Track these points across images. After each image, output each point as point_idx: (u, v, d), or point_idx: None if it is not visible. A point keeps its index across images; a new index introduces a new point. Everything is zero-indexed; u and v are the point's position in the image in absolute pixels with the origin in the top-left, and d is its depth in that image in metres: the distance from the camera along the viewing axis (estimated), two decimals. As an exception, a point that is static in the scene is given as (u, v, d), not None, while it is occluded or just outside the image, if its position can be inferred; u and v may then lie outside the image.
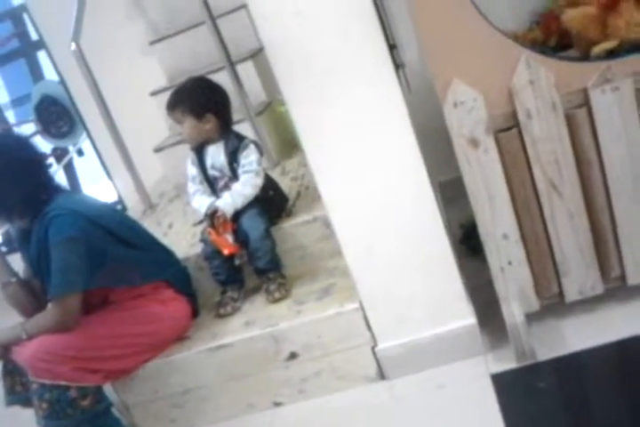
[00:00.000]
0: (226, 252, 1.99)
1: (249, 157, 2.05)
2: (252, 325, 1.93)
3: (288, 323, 1.88)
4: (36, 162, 1.95)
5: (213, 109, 2.05)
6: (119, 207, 3.35)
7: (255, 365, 1.90)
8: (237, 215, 2.05)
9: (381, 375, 1.89)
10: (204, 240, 2.09)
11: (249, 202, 2.06)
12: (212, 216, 1.99)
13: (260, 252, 2.02)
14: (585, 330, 1.83)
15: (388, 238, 1.74)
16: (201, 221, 2.17)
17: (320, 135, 1.67)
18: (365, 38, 1.58)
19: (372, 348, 1.86)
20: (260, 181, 2.06)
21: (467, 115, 1.57)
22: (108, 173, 3.75)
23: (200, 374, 1.94)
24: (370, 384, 1.90)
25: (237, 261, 2.05)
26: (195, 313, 2.09)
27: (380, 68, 1.61)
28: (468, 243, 2.16)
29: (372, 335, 1.85)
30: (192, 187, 2.14)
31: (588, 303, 1.84)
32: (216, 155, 2.09)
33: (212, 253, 2.06)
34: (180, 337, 2.01)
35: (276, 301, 2.00)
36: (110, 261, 1.88)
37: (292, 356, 1.87)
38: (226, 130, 2.11)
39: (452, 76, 1.54)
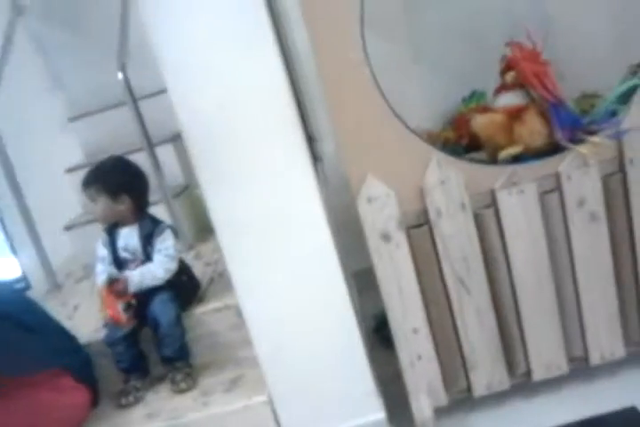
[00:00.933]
0: (109, 313, 1.91)
1: (165, 242, 2.02)
2: (155, 417, 1.85)
3: (193, 416, 1.81)
4: None
5: (129, 191, 2.03)
6: (22, 285, 3.19)
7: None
8: (147, 300, 1.99)
9: (287, 472, 1.84)
10: (107, 325, 2.01)
11: (161, 286, 2.01)
12: (112, 282, 1.94)
13: (168, 339, 1.96)
14: (492, 424, 1.85)
15: (299, 330, 1.73)
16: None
17: (233, 222, 1.68)
18: (283, 130, 1.62)
19: (280, 443, 1.82)
20: (174, 267, 2.03)
21: (379, 210, 1.62)
22: (12, 248, 3.59)
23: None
24: (276, 482, 1.84)
25: (120, 333, 1.98)
26: (94, 402, 1.97)
27: (296, 160, 1.64)
28: (381, 333, 2.17)
29: (281, 429, 1.81)
30: (100, 267, 2.08)
31: (496, 398, 1.87)
32: (129, 237, 2.05)
33: (116, 339, 1.98)
34: (75, 428, 1.89)
35: (182, 391, 1.93)
36: (3, 349, 1.76)
37: (196, 452, 1.80)
38: (141, 212, 2.08)
39: (366, 172, 1.61)
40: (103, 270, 2.05)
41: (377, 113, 1.60)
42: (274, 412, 1.80)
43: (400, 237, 1.65)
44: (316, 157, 1.86)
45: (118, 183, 2.02)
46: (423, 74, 2.20)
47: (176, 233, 2.09)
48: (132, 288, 1.96)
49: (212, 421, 1.80)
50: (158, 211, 2.31)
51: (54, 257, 2.83)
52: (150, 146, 2.51)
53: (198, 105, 1.62)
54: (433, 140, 1.83)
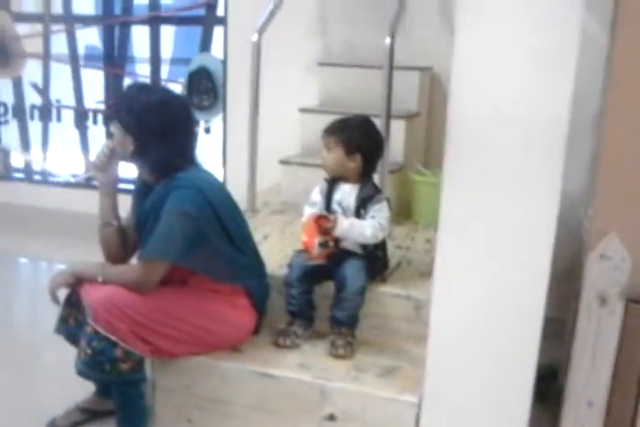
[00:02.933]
0: (305, 239, 2.07)
1: (382, 211, 2.15)
2: (307, 369, 2.02)
3: (341, 384, 1.96)
4: (190, 127, 2.12)
5: (365, 152, 2.17)
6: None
7: (292, 409, 1.99)
8: (339, 263, 2.14)
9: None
10: (291, 266, 2.20)
11: (357, 254, 2.16)
12: (322, 217, 2.09)
13: (347, 304, 2.11)
14: None
15: (479, 350, 1.79)
16: (301, 251, 2.20)
17: (460, 222, 1.73)
18: (545, 155, 1.63)
19: (410, 447, 1.92)
20: (382, 236, 2.16)
21: (608, 272, 1.65)
22: (224, 160, 3.96)
23: (237, 391, 2.04)
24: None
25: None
26: (256, 330, 2.18)
27: (545, 184, 1.66)
28: (538, 385, 2.20)
29: (417, 437, 1.90)
30: (308, 210, 2.24)
31: None
32: (347, 194, 2.20)
33: (294, 280, 2.16)
34: (234, 346, 2.11)
35: (338, 357, 2.08)
36: (208, 249, 1.99)
37: (331, 417, 1.95)
38: (366, 175, 2.22)
39: (611, 229, 1.63)
40: (310, 212, 2.21)
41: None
42: (417, 417, 1.89)
43: (617, 306, 1.68)
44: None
45: (358, 141, 2.16)
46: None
47: (391, 207, 2.21)
48: (338, 232, 2.10)
49: (356, 398, 1.94)
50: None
51: (260, 183, 3.11)
52: (388, 116, 2.64)
53: (474, 107, 1.66)
54: None
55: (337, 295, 2.14)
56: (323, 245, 2.09)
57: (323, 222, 2.10)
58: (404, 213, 3.01)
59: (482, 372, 1.80)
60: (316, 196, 2.27)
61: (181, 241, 1.95)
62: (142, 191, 2.14)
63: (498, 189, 1.70)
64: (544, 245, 1.69)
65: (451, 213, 1.74)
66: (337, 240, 2.14)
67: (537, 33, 1.60)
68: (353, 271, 2.13)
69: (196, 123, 4.29)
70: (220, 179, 3.87)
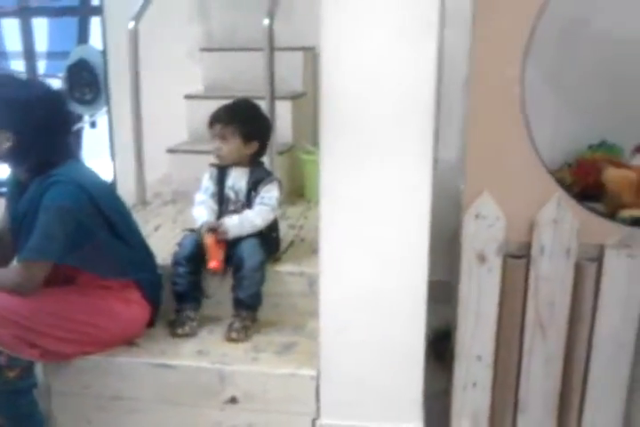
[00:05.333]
0: (213, 264, 2.15)
1: (270, 192, 2.26)
2: (204, 356, 2.09)
3: (239, 366, 2.04)
4: (68, 122, 2.13)
5: (260, 138, 2.29)
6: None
7: (193, 396, 2.05)
8: (234, 242, 2.23)
9: (313, 451, 2.03)
10: (180, 244, 2.27)
11: (249, 235, 2.24)
12: (213, 231, 2.18)
13: (247, 282, 2.20)
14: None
15: (369, 318, 1.90)
16: (192, 230, 2.31)
17: (339, 195, 1.84)
18: (416, 121, 1.75)
19: (313, 420, 2.01)
20: (271, 217, 2.27)
21: (484, 230, 1.79)
22: (112, 153, 3.96)
23: (136, 385, 2.08)
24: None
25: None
26: (151, 322, 2.22)
27: (418, 154, 1.77)
28: (435, 347, 2.31)
29: (318, 408, 2.00)
30: (201, 197, 2.33)
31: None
32: (239, 179, 2.29)
33: (183, 259, 2.23)
34: (129, 341, 2.15)
35: (231, 340, 2.16)
36: (92, 245, 2.00)
37: (233, 400, 2.03)
38: (257, 160, 2.33)
39: (483, 189, 1.77)
40: (203, 201, 2.31)
41: (513, 135, 1.75)
42: (317, 389, 1.99)
43: (495, 263, 1.81)
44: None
45: (255, 129, 2.27)
46: (559, 110, 2.34)
47: (281, 188, 2.32)
48: (231, 235, 2.20)
49: (256, 378, 2.02)
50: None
51: (148, 175, 3.14)
52: (272, 98, 2.74)
53: (344, 81, 1.76)
54: (566, 186, 1.95)
55: (236, 275, 2.22)
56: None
57: (219, 236, 2.19)
58: (296, 192, 3.14)
59: (373, 339, 1.92)
60: (207, 182, 2.35)
61: (62, 239, 1.95)
62: (16, 191, 2.12)
63: (373, 159, 1.81)
64: (421, 211, 1.82)
65: (330, 186, 1.85)
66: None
67: (400, 7, 1.71)
68: (249, 249, 2.22)
69: (79, 118, 4.32)
70: (110, 173, 3.88)
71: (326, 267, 1.90)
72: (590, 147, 2.12)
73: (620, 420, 1.94)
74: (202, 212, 2.31)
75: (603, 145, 2.15)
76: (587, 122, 2.36)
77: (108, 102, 3.92)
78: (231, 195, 2.31)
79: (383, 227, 1.85)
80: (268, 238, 2.33)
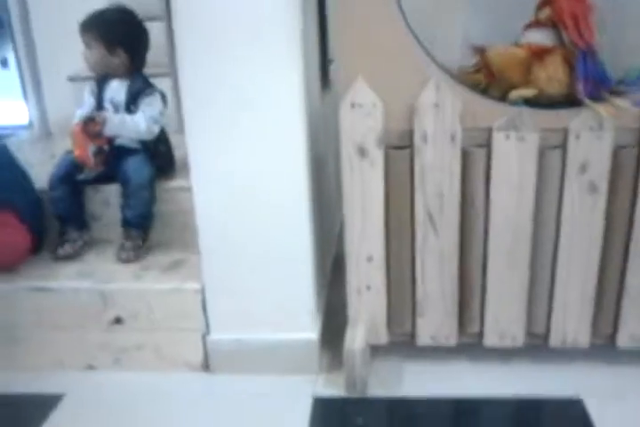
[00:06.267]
0: (76, 153, 2.08)
1: (152, 105, 2.17)
2: (86, 277, 2.02)
3: (122, 285, 1.97)
4: None
5: (127, 45, 2.16)
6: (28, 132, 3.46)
7: (75, 319, 1.98)
8: (120, 158, 2.15)
9: (206, 366, 1.99)
10: (56, 165, 2.19)
11: (137, 149, 2.17)
12: (89, 122, 2.08)
13: (135, 201, 2.12)
14: (427, 377, 1.94)
15: (249, 226, 1.83)
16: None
17: (201, 93, 1.73)
18: (282, 17, 1.65)
19: (204, 336, 1.96)
20: (156, 130, 2.17)
21: (361, 120, 1.66)
22: (24, 94, 3.81)
23: (14, 312, 2.00)
24: (190, 372, 1.99)
25: (83, 175, 2.16)
26: (35, 249, 2.15)
27: (288, 54, 1.68)
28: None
29: (207, 323, 1.95)
30: (79, 112, 2.23)
31: (439, 351, 1.95)
32: (117, 90, 2.20)
33: (57, 180, 2.15)
34: (6, 267, 2.06)
35: (122, 261, 2.10)
36: None
37: (117, 320, 1.96)
38: (135, 70, 2.22)
39: (357, 75, 1.64)
40: (81, 115, 2.19)
41: (386, 15, 1.61)
42: (203, 303, 1.93)
43: (377, 155, 1.69)
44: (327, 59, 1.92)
45: (117, 35, 2.15)
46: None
47: (165, 100, 2.21)
48: (109, 131, 2.10)
49: (139, 295, 1.95)
50: (164, 83, 2.41)
51: (56, 107, 3.04)
52: (168, 14, 2.58)
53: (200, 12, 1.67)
54: (465, 79, 1.82)
55: (123, 193, 2.14)
56: (98, 152, 2.11)
57: (91, 127, 2.09)
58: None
59: (257, 248, 1.85)
60: (87, 97, 2.26)
61: None
62: None
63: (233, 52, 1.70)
64: (295, 107, 1.72)
65: (190, 86, 1.74)
66: (111, 140, 2.15)
67: None
68: (134, 165, 2.14)
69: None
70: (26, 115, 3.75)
71: (196, 172, 1.82)
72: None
73: (524, 317, 1.86)
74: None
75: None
76: (501, 19, 2.19)
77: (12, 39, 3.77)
78: (110, 108, 2.21)
79: (255, 125, 1.75)
80: (157, 153, 2.23)
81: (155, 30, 2.34)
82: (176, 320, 1.95)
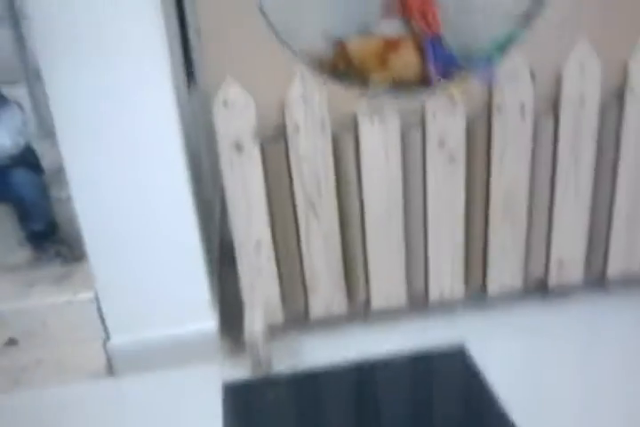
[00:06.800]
0: None
1: (13, 118, 2.11)
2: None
3: (11, 305, 1.95)
4: None
5: None
6: None
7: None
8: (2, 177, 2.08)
9: (110, 371, 2.01)
10: None
11: (13, 162, 2.10)
12: None
13: (37, 209, 2.10)
14: (326, 348, 2.08)
15: (135, 229, 1.86)
16: None
17: (75, 111, 1.73)
18: (144, 16, 1.66)
19: (104, 342, 1.98)
20: (21, 142, 2.12)
21: (235, 117, 1.73)
22: None
23: None
24: (96, 380, 2.01)
25: None
26: None
27: (153, 55, 1.70)
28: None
29: (105, 329, 1.97)
30: None
31: (333, 322, 2.10)
32: None
33: None
34: None
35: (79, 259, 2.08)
36: None
37: (12, 342, 1.94)
38: None
39: (225, 74, 1.69)
40: None
41: (249, 14, 1.67)
42: (99, 310, 1.95)
43: (253, 150, 1.77)
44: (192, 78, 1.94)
45: None
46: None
47: (23, 111, 2.16)
48: None
49: (32, 313, 1.94)
50: (19, 92, 2.37)
51: None
52: (15, 19, 2.51)
53: None
54: (323, 65, 1.91)
55: (20, 210, 2.11)
56: None
57: None
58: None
59: (145, 249, 1.90)
60: None
61: None
62: None
63: (99, 57, 1.69)
64: (170, 113, 1.75)
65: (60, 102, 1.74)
66: None
67: None
68: (21, 177, 2.10)
69: None
70: None
71: (75, 183, 1.82)
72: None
73: (404, 278, 2.03)
74: None
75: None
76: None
77: None
78: None
79: (128, 127, 1.76)
80: (33, 161, 2.20)
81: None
82: (74, 332, 1.96)
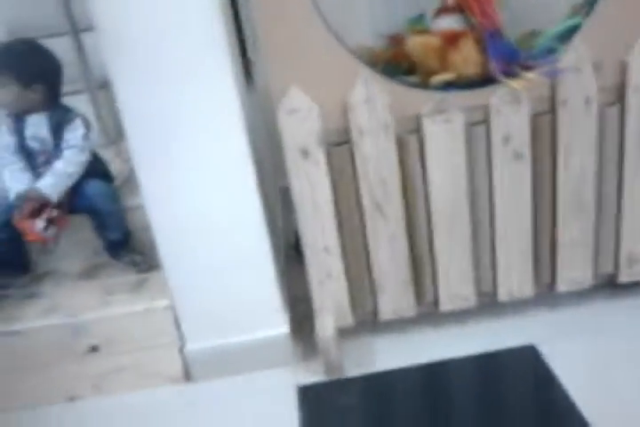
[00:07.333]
0: (29, 238, 2.06)
1: (75, 132, 2.14)
2: (53, 312, 2.05)
3: (92, 314, 2.01)
4: None
5: (43, 80, 2.12)
6: None
7: (52, 356, 2.02)
8: (72, 191, 2.15)
9: (187, 377, 2.07)
10: None
11: (87, 172, 2.17)
12: (28, 204, 2.05)
13: (113, 219, 2.16)
14: (396, 350, 2.11)
15: (207, 238, 1.92)
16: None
17: (145, 121, 1.80)
18: (206, 26, 1.72)
19: (180, 348, 2.05)
20: (84, 158, 2.15)
21: (300, 124, 1.77)
22: None
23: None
24: (174, 385, 2.07)
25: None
26: None
27: (218, 65, 1.76)
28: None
29: (181, 335, 2.03)
30: (6, 158, 2.18)
31: (402, 324, 2.12)
32: (38, 126, 2.16)
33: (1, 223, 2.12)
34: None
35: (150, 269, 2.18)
36: None
37: (94, 349, 2.01)
38: (52, 101, 2.17)
39: (289, 83, 1.74)
40: (12, 163, 2.17)
41: (306, 21, 1.71)
42: (175, 317, 2.01)
43: (319, 154, 1.81)
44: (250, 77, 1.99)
45: (31, 72, 2.10)
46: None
47: (88, 124, 2.20)
48: (54, 197, 2.08)
49: (111, 321, 2.01)
50: (81, 102, 2.43)
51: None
52: (75, 30, 2.60)
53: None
54: (374, 59, 1.95)
55: (96, 220, 2.18)
56: (50, 223, 2.07)
57: (28, 208, 2.05)
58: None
59: (217, 254, 1.95)
60: (6, 137, 2.20)
61: None
62: None
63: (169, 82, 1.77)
64: (237, 122, 1.82)
65: (131, 114, 1.81)
66: (64, 204, 2.13)
67: None
68: (93, 188, 2.16)
69: None
70: None
71: (148, 190, 1.89)
72: (410, 21, 2.10)
73: (472, 279, 2.04)
74: (16, 179, 2.15)
75: (422, 18, 2.14)
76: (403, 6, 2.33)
77: None
78: (35, 146, 2.17)
79: (197, 137, 1.83)
80: (102, 173, 2.27)
81: (56, 47, 2.27)
82: (151, 338, 2.03)
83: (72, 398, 2.08)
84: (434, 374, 2.04)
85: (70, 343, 2.02)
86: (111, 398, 2.08)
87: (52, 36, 2.35)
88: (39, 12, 3.01)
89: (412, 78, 1.94)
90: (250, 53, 2.26)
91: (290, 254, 2.45)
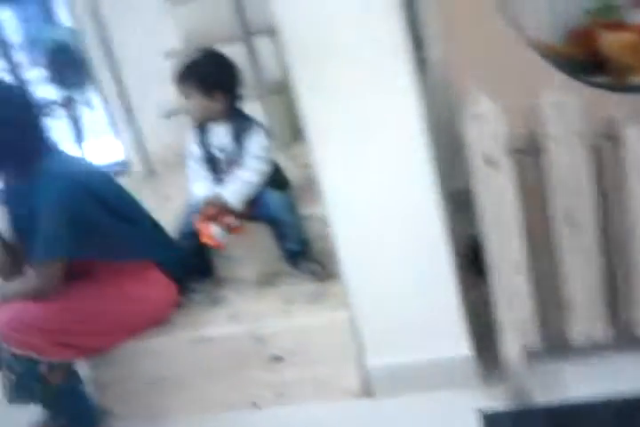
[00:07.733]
0: (203, 239, 2.14)
1: (256, 142, 2.19)
2: (236, 319, 2.11)
3: (274, 324, 2.06)
4: (32, 113, 2.08)
5: (225, 88, 2.19)
6: (121, 168, 3.56)
7: (237, 362, 2.08)
8: (256, 204, 2.21)
9: (366, 392, 2.05)
10: (185, 222, 2.25)
11: (267, 181, 2.22)
12: (209, 208, 2.13)
13: (292, 230, 2.20)
14: (588, 377, 1.94)
15: (389, 251, 1.88)
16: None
17: (325, 128, 1.80)
18: (388, 34, 1.69)
19: (360, 363, 2.02)
20: (266, 168, 2.20)
21: (485, 130, 1.68)
22: (115, 130, 3.94)
23: (177, 363, 2.12)
24: (353, 400, 2.06)
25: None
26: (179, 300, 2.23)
27: (399, 65, 1.72)
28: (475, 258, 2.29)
29: (361, 349, 2.00)
30: (193, 166, 2.28)
31: (594, 348, 1.94)
32: (221, 135, 2.23)
33: (186, 234, 2.22)
34: (159, 321, 2.17)
35: (329, 278, 2.19)
36: (99, 233, 2.01)
37: (277, 359, 2.05)
38: (232, 109, 2.24)
39: (474, 87, 1.67)
40: (197, 171, 2.26)
41: (495, 22, 1.64)
42: (355, 330, 1.99)
43: (505, 162, 1.71)
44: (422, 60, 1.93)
45: (213, 81, 2.18)
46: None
47: (267, 131, 2.24)
48: (236, 204, 2.15)
49: (293, 331, 2.03)
50: (254, 107, 2.47)
51: (150, 144, 3.14)
52: (248, 36, 2.65)
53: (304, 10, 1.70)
54: (549, 54, 1.82)
55: (275, 230, 2.22)
56: (228, 230, 2.16)
57: (208, 212, 2.14)
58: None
59: (397, 268, 1.91)
60: (193, 147, 2.30)
61: (68, 235, 1.95)
62: (10, 197, 2.12)
63: (350, 81, 1.75)
64: (417, 125, 1.77)
65: (313, 120, 1.80)
66: (244, 213, 2.20)
67: None
68: (272, 198, 2.21)
69: (71, 101, 4.29)
70: (120, 152, 3.88)
71: (331, 201, 1.88)
72: (588, 12, 1.94)
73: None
74: (201, 188, 2.25)
75: (603, 8, 1.97)
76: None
77: (94, 81, 3.88)
78: (219, 154, 2.25)
79: (376, 146, 1.80)
80: (281, 182, 2.30)
81: (228, 53, 2.36)
82: (331, 351, 2.03)
83: (255, 405, 2.13)
84: (630, 407, 1.85)
85: (253, 351, 2.06)
86: (292, 408, 2.10)
87: (224, 41, 2.41)
88: (214, 20, 3.13)
89: (601, 78, 1.78)
90: (424, 52, 2.18)
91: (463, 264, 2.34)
